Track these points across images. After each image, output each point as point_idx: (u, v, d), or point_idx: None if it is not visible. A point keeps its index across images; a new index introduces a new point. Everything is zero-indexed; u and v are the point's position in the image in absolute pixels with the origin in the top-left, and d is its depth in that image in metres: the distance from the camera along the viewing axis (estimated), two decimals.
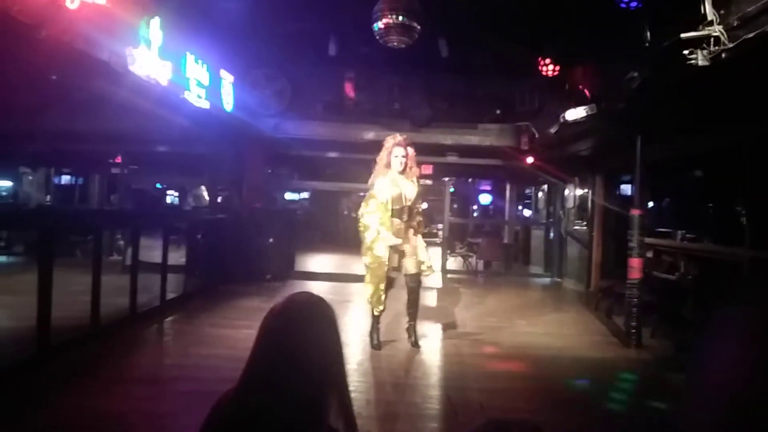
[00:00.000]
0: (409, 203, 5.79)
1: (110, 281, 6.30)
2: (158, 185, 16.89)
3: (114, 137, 10.30)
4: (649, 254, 7.95)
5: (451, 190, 13.87)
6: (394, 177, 5.77)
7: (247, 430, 1.37)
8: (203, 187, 12.36)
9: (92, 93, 6.56)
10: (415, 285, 5.93)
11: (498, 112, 10.83)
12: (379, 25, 6.94)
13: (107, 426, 3.77)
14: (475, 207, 20.85)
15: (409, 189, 5.80)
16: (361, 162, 11.25)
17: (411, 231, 5.88)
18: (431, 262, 6.13)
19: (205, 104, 7.24)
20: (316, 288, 9.66)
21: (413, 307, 5.98)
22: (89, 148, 11.32)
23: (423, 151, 10.69)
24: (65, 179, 15.93)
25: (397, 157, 5.74)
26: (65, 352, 5.12)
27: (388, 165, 5.77)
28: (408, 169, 5.81)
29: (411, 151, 5.85)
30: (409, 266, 5.86)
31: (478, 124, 10.77)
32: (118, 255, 10.94)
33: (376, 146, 5.94)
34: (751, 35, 3.83)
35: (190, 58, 6.89)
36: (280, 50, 9.81)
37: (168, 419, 3.86)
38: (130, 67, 5.40)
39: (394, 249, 5.74)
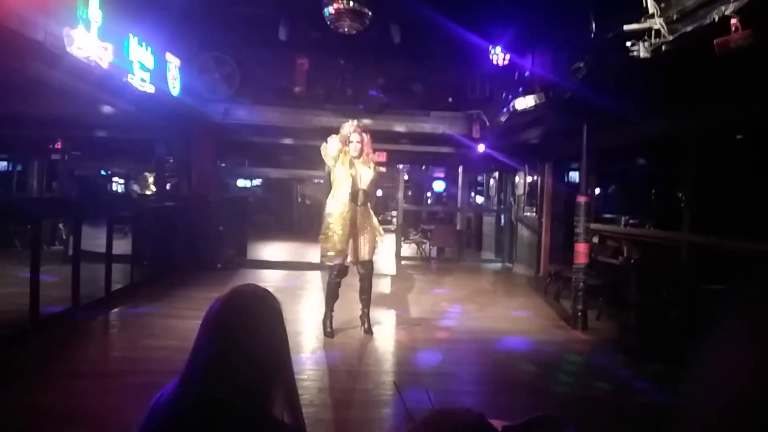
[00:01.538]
0: (364, 187, 5.81)
1: (52, 272, 6.05)
2: (103, 172, 16.28)
3: (53, 122, 9.84)
4: (595, 239, 8.23)
5: (405, 177, 13.93)
6: (351, 161, 5.80)
7: (190, 419, 1.34)
8: (147, 174, 12.01)
9: (27, 75, 6.21)
10: (367, 272, 5.97)
11: (450, 99, 10.92)
12: (330, 10, 6.86)
13: (49, 423, 3.63)
14: (428, 194, 21.05)
15: (365, 173, 5.83)
16: (314, 148, 11.12)
17: (368, 216, 5.91)
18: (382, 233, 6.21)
19: (149, 88, 6.99)
20: (269, 276, 9.57)
21: (366, 294, 6.01)
22: (27, 133, 10.78)
23: (377, 138, 10.70)
24: (1, 165, 15.14)
25: (352, 142, 5.77)
26: (2, 347, 4.90)
27: (346, 153, 5.78)
28: (364, 155, 5.85)
29: (366, 137, 5.89)
30: (364, 252, 5.87)
31: (431, 112, 10.84)
32: (60, 245, 10.53)
33: (329, 132, 5.91)
34: (689, 29, 3.97)
35: (133, 40, 6.63)
36: (230, 34, 9.57)
37: (114, 414, 3.74)
38: (68, 49, 5.14)
39: (351, 234, 5.76)
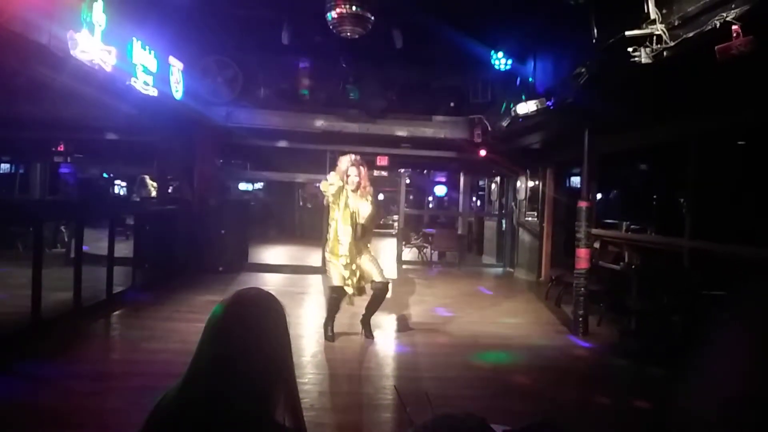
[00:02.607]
0: (362, 221, 5.80)
1: (53, 274, 6.06)
2: (105, 175, 16.33)
3: (56, 124, 9.86)
4: (597, 245, 8.22)
5: (406, 181, 13.95)
6: (349, 194, 5.80)
7: (193, 422, 1.35)
8: (147, 177, 12.03)
9: (31, 78, 6.24)
10: (380, 293, 5.95)
11: (452, 104, 10.94)
12: (333, 14, 6.88)
13: (49, 424, 3.63)
14: (430, 198, 21.07)
15: (363, 207, 5.83)
16: (315, 152, 11.16)
17: (364, 246, 5.92)
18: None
19: (152, 92, 7.01)
20: (271, 280, 9.58)
21: (373, 306, 6.01)
22: (30, 136, 10.80)
23: (378, 142, 10.78)
24: (4, 167, 15.18)
25: (350, 176, 5.76)
26: (3, 348, 4.91)
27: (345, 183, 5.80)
28: (361, 189, 5.83)
29: (363, 170, 5.86)
30: (375, 275, 5.86)
31: (432, 116, 10.86)
32: (62, 247, 10.56)
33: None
34: (690, 34, 3.98)
35: (136, 43, 6.64)
36: (232, 37, 9.59)
37: (115, 416, 3.76)
38: (72, 52, 5.16)
39: (353, 264, 5.77)
